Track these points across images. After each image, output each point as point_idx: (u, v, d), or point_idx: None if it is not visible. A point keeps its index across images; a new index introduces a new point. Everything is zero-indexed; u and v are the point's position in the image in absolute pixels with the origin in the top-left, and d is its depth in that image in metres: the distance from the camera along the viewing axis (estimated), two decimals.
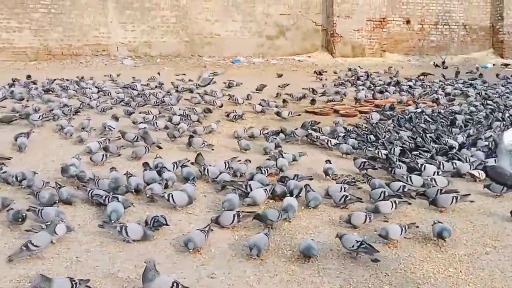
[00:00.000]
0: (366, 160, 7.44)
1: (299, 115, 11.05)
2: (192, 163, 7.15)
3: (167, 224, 5.25)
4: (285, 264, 4.66)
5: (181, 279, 4.34)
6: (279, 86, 14.15)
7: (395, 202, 5.71)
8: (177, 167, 6.95)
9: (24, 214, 5.17)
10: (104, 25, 20.28)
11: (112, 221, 5.19)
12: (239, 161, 7.34)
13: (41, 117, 9.73)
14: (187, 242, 4.75)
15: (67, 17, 19.69)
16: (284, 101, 12.43)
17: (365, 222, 5.41)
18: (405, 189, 6.30)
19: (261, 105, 11.63)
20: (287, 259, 4.75)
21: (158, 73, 15.76)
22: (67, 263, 4.60)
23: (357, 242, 4.69)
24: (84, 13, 19.90)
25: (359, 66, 19.04)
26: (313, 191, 6.06)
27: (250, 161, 7.27)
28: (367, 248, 4.68)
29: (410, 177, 6.67)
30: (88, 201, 5.98)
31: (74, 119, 10.07)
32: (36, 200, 5.71)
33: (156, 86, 14.21)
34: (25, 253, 4.59)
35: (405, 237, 5.16)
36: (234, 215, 5.34)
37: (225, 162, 7.17)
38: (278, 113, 10.84)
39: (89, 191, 5.93)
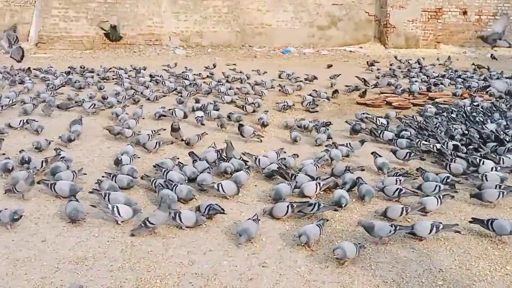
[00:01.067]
0: (410, 151, 7.32)
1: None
2: (243, 153, 7.20)
3: (223, 211, 5.33)
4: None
5: (233, 267, 4.41)
6: (330, 77, 14.00)
7: (439, 197, 5.60)
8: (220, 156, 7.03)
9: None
10: (158, 15, 20.55)
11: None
12: (290, 155, 7.31)
13: (93, 106, 9.98)
14: (242, 233, 4.76)
15: (122, 7, 20.05)
16: (334, 92, 12.26)
17: (401, 215, 5.34)
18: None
19: (311, 96, 11.54)
20: None
21: (214, 65, 15.77)
22: (122, 247, 4.73)
23: (392, 226, 4.75)
24: (138, 3, 20.22)
25: (422, 58, 18.47)
26: (366, 183, 5.99)
27: (297, 155, 7.25)
28: (402, 228, 4.81)
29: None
30: (142, 187, 6.13)
31: (128, 106, 10.28)
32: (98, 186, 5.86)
33: (207, 76, 14.35)
34: (143, 230, 4.94)
35: (461, 233, 5.03)
36: (288, 206, 5.33)
37: (276, 153, 7.19)
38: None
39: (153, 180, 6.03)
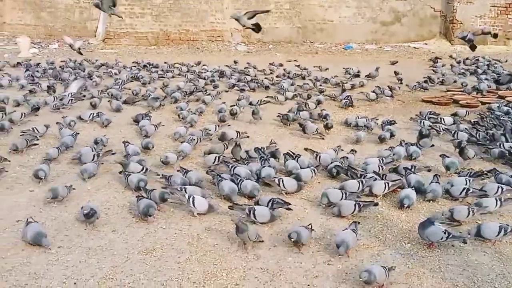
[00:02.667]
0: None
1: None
2: (305, 149, 7.18)
3: (288, 205, 5.36)
4: (403, 256, 4.54)
5: (298, 264, 4.41)
6: (395, 73, 13.72)
7: (500, 199, 5.42)
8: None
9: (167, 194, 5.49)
10: (220, 11, 20.75)
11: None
12: (349, 152, 7.23)
13: (159, 101, 10.18)
14: (340, 244, 4.45)
15: (186, 3, 20.37)
16: (391, 89, 11.97)
17: (468, 216, 5.17)
18: None
19: (375, 93, 11.34)
20: (405, 252, 4.62)
21: (280, 64, 15.76)
22: (189, 239, 4.81)
23: (445, 233, 4.54)
24: None
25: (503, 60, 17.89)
26: (438, 183, 5.84)
27: (355, 151, 7.15)
28: (455, 237, 4.62)
29: None
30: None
31: (191, 101, 10.46)
32: (168, 183, 5.94)
33: (270, 72, 14.38)
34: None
35: None
36: (355, 205, 5.28)
37: (334, 150, 7.13)
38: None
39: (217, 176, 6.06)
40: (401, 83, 12.79)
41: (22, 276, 4.13)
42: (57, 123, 8.19)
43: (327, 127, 8.66)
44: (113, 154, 6.94)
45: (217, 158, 6.68)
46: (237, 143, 7.00)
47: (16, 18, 21.20)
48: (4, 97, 9.93)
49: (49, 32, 20.97)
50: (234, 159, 6.82)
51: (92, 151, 6.77)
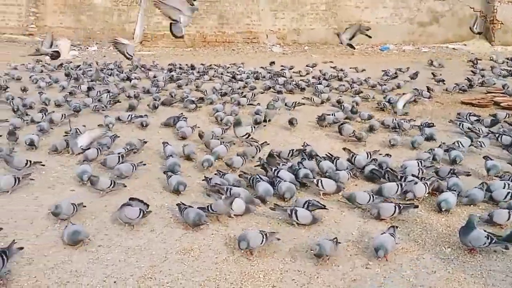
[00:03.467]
0: None
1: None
2: (343, 149, 7.14)
3: (324, 207, 5.36)
4: (443, 261, 4.46)
5: (335, 267, 4.37)
6: (433, 75, 13.49)
7: None
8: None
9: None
10: (256, 13, 20.82)
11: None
12: (380, 154, 7.15)
13: (194, 103, 10.27)
14: (379, 248, 4.38)
15: (222, 5, 20.51)
16: (428, 89, 11.75)
17: (508, 219, 5.06)
18: None
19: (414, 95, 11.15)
20: (445, 257, 4.54)
21: (314, 64, 15.71)
22: (226, 240, 4.83)
23: (487, 238, 4.43)
24: (237, 2, 20.60)
25: None
26: (481, 189, 5.72)
27: (390, 155, 7.02)
28: (498, 243, 4.48)
29: None
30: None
31: (227, 103, 10.51)
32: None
33: (307, 73, 14.35)
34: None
35: None
36: (395, 207, 5.21)
37: (367, 153, 7.07)
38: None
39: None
40: (444, 83, 12.56)
41: (64, 273, 4.22)
42: (98, 125, 8.34)
43: (372, 129, 8.57)
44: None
45: (244, 160, 6.70)
46: (272, 153, 6.86)
47: (57, 21, 21.70)
48: (45, 99, 10.18)
49: (88, 35, 21.40)
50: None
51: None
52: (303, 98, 10.86)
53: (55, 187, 6.15)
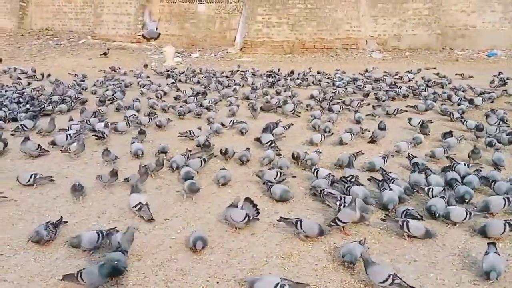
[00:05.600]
0: None
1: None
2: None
3: (421, 218, 5.22)
4: None
5: (440, 281, 4.23)
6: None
7: None
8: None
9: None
10: (356, 19, 20.59)
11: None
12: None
13: (293, 110, 10.33)
14: (491, 270, 4.16)
15: (321, 12, 20.48)
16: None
17: None
18: None
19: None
20: None
21: (419, 70, 15.28)
22: (326, 247, 4.82)
23: None
24: (337, 8, 20.48)
25: None
26: None
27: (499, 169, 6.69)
28: None
29: None
30: None
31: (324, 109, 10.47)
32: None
33: (409, 80, 13.99)
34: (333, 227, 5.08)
35: None
36: (505, 225, 4.92)
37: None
38: None
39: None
40: None
41: (170, 271, 4.41)
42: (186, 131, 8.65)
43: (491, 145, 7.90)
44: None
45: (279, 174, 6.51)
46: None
47: (162, 29, 22.69)
48: (153, 103, 10.71)
49: (192, 42, 22.21)
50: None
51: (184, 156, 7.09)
52: (407, 106, 10.58)
53: (162, 188, 6.42)
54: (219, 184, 6.41)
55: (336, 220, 5.04)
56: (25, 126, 8.62)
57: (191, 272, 4.39)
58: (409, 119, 9.16)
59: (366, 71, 15.48)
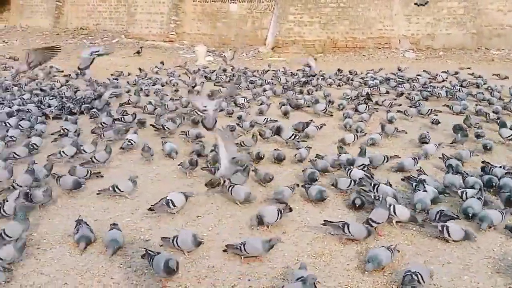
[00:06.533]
0: None
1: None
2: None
3: (457, 217, 5.19)
4: None
5: (475, 283, 4.17)
6: None
7: None
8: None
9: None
10: (389, 18, 20.38)
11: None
12: None
13: (325, 108, 10.27)
14: None
15: (354, 11, 20.34)
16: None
17: None
18: None
19: None
20: None
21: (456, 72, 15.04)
22: (358, 248, 4.80)
23: None
24: (370, 7, 20.30)
25: None
26: None
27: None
28: None
29: None
30: None
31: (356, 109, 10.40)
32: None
33: (443, 80, 13.78)
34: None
35: None
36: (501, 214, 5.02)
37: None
38: None
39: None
40: None
41: (202, 268, 4.45)
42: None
43: None
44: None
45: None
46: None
47: (194, 28, 22.90)
48: (185, 101, 10.81)
49: (223, 41, 22.30)
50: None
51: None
52: (443, 105, 10.42)
53: (193, 185, 6.49)
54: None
55: (370, 221, 5.00)
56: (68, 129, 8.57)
57: (223, 269, 4.42)
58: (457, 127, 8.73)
59: (399, 69, 15.31)
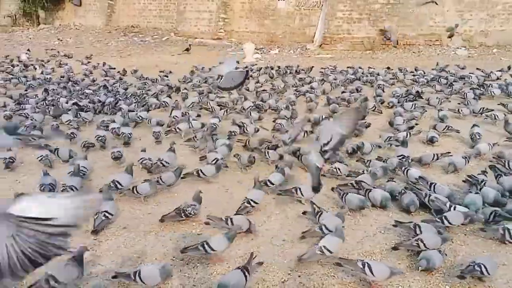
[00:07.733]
0: None
1: None
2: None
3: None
4: None
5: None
6: None
7: None
8: None
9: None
10: (440, 14, 19.92)
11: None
12: None
13: (374, 107, 10.20)
14: None
15: (404, 7, 19.97)
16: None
17: None
18: None
19: None
20: None
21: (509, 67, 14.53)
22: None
23: None
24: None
25: None
26: None
27: None
28: None
29: None
30: None
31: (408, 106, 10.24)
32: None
33: (497, 78, 13.39)
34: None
35: None
36: None
37: None
38: None
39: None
40: None
41: (252, 263, 4.48)
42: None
43: None
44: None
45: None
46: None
47: (242, 26, 23.04)
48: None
49: (271, 39, 22.35)
50: None
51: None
52: (498, 104, 10.13)
53: (243, 181, 6.56)
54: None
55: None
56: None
57: (273, 265, 4.46)
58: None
59: (458, 67, 14.96)
